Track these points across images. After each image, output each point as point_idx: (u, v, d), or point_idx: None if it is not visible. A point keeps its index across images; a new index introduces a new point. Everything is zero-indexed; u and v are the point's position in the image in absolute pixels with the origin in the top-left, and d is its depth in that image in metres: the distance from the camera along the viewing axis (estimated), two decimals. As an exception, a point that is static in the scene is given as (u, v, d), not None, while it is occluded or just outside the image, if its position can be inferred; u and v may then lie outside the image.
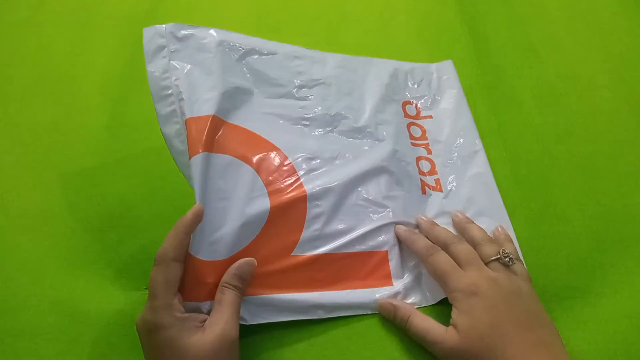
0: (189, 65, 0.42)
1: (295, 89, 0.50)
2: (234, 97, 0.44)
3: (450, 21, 0.63)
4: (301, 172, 0.44)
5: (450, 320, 0.38)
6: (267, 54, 0.49)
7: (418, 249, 0.43)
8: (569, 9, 0.63)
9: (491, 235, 0.45)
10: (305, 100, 0.49)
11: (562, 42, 0.60)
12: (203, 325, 0.35)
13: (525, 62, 0.58)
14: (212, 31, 0.46)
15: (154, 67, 0.42)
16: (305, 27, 0.64)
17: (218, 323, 0.35)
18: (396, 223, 0.46)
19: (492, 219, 0.46)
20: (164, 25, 0.42)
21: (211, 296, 0.38)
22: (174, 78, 0.41)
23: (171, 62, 0.42)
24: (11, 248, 0.46)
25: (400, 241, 0.45)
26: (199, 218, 0.38)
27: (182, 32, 0.44)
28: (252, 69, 0.48)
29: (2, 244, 0.47)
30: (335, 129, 0.49)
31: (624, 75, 0.57)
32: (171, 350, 0.34)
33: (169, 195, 0.49)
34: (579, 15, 0.62)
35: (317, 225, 0.43)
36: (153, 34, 0.42)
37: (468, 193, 0.48)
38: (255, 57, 0.48)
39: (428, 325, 0.39)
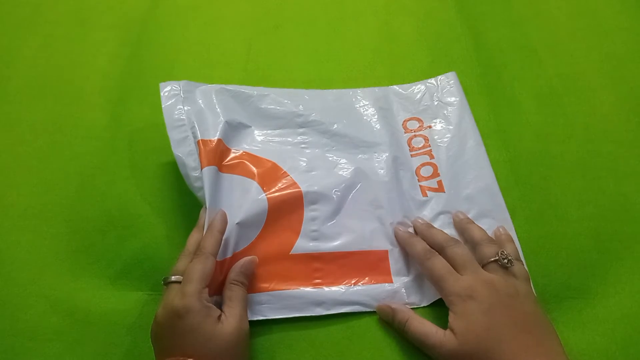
0: (198, 106, 0.49)
1: (294, 121, 0.52)
2: (237, 129, 0.50)
3: (450, 21, 0.63)
4: (296, 177, 0.47)
5: (448, 324, 0.38)
6: (265, 96, 0.53)
7: (415, 252, 0.43)
8: (569, 9, 0.63)
9: (492, 236, 0.45)
10: (304, 127, 0.52)
11: (562, 42, 0.60)
12: (220, 319, 0.37)
13: (525, 62, 0.58)
14: (215, 85, 0.53)
15: (169, 103, 0.48)
16: (305, 27, 0.64)
17: (234, 317, 0.38)
18: (395, 224, 0.46)
19: (494, 219, 0.47)
20: (177, 82, 0.50)
21: (216, 292, 0.41)
22: (185, 109, 0.48)
23: (184, 103, 0.49)
24: (11, 248, 0.46)
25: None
26: (226, 220, 0.43)
27: (191, 86, 0.51)
28: (254, 108, 0.52)
29: (2, 244, 0.47)
30: (332, 148, 0.51)
31: (624, 75, 0.57)
32: (195, 335, 0.36)
33: (168, 195, 0.50)
34: (579, 15, 0.62)
35: (314, 227, 0.45)
36: (169, 85, 0.50)
37: (470, 194, 0.48)
38: (256, 99, 0.53)
39: (426, 329, 0.39)
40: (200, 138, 0.46)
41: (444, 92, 0.55)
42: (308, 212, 0.46)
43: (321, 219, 0.46)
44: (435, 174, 0.50)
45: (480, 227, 0.44)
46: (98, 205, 0.49)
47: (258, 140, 0.51)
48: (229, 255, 0.42)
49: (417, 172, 0.50)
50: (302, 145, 0.51)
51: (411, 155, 0.51)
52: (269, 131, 0.52)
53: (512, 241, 0.44)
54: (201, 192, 0.44)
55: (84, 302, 0.44)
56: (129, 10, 0.65)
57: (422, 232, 0.45)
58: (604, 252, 0.45)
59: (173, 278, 0.39)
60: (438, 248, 0.42)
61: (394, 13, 0.64)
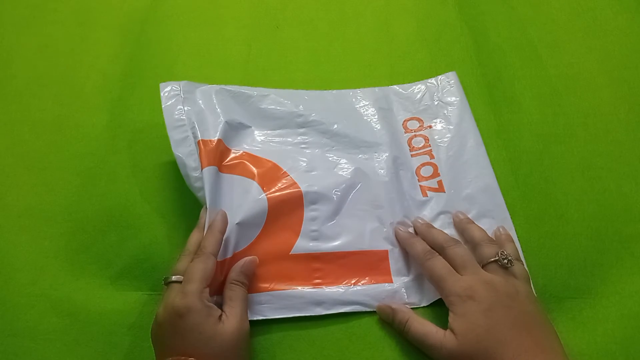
0: (198, 106, 0.49)
1: (294, 121, 0.52)
2: (237, 129, 0.50)
3: (450, 21, 0.63)
4: (296, 177, 0.47)
5: (448, 324, 0.38)
6: (265, 97, 0.53)
7: (415, 252, 0.43)
8: (569, 9, 0.63)
9: (492, 236, 0.45)
10: (304, 127, 0.52)
11: (562, 42, 0.60)
12: (221, 319, 0.38)
13: (525, 62, 0.58)
14: (215, 85, 0.53)
15: (169, 103, 0.48)
16: (305, 27, 0.64)
17: (235, 317, 0.38)
18: (396, 224, 0.46)
19: (494, 219, 0.47)
20: (177, 82, 0.50)
21: (217, 292, 0.41)
22: (185, 109, 0.48)
23: (184, 103, 0.49)
24: (11, 248, 0.46)
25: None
26: (226, 220, 0.43)
27: (192, 87, 0.51)
28: (254, 108, 0.52)
29: (2, 244, 0.47)
30: (332, 148, 0.51)
31: (624, 75, 0.57)
32: (197, 334, 0.36)
33: (169, 195, 0.50)
34: (579, 15, 0.62)
35: (314, 227, 0.45)
36: (169, 86, 0.49)
37: (470, 194, 0.48)
38: (256, 100, 0.53)
39: (426, 329, 0.39)
40: (200, 138, 0.46)
41: (444, 92, 0.55)
42: (308, 212, 0.46)
43: (321, 219, 0.46)
44: (435, 174, 0.50)
45: (480, 227, 0.44)
46: (98, 205, 0.49)
47: (258, 141, 0.51)
48: (229, 255, 0.42)
49: (417, 172, 0.50)
50: (302, 146, 0.51)
51: (411, 155, 0.51)
52: (269, 131, 0.52)
53: (512, 241, 0.44)
54: (201, 192, 0.44)
55: (84, 302, 0.44)
56: (129, 10, 0.65)
57: (422, 232, 0.45)
58: (604, 252, 0.45)
59: (174, 278, 0.39)
60: (438, 248, 0.42)
61: (394, 13, 0.64)
